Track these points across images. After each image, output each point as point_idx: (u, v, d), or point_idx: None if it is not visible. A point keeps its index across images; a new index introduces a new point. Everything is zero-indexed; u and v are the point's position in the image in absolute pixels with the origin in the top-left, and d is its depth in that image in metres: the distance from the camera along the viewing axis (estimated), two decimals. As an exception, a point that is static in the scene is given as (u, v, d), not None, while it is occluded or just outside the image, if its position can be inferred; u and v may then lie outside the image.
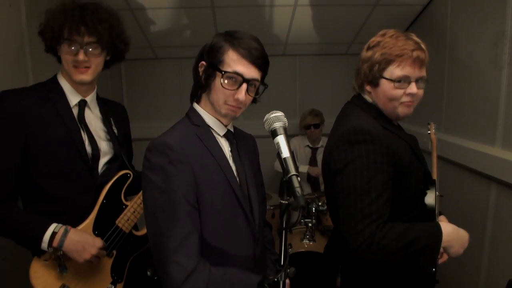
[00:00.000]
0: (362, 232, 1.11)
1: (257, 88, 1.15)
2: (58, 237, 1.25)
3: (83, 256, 1.28)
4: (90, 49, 1.31)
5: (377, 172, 1.14)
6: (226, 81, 1.08)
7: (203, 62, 1.14)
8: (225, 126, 1.19)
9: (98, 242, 1.32)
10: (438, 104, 2.44)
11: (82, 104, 1.40)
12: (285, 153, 0.97)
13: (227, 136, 1.20)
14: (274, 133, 1.01)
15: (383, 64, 1.22)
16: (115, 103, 1.62)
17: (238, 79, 1.08)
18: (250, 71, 1.09)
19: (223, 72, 1.08)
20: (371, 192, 1.13)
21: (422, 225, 1.19)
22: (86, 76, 1.34)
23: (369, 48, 1.28)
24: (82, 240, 1.28)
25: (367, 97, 1.32)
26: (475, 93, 2.06)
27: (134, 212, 1.47)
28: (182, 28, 2.83)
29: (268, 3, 2.58)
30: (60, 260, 1.28)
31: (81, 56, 1.30)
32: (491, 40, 1.89)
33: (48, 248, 1.25)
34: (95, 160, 1.39)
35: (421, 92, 1.24)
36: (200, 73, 1.14)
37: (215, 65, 1.09)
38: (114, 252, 1.42)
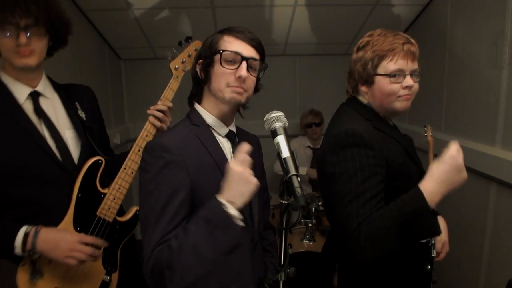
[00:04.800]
0: (358, 229, 1.11)
1: (258, 71, 1.15)
2: (29, 239, 1.19)
3: (61, 253, 1.21)
4: (31, 31, 1.19)
5: (370, 174, 1.14)
6: (225, 63, 1.09)
7: (201, 60, 1.14)
8: (227, 126, 1.19)
9: (76, 236, 1.26)
10: (438, 104, 2.44)
11: (35, 95, 1.29)
12: (285, 153, 0.97)
13: (228, 136, 1.19)
14: (274, 133, 1.01)
15: (376, 60, 1.23)
16: (80, 86, 1.51)
17: (237, 58, 1.09)
18: (247, 50, 1.10)
19: (221, 52, 1.09)
20: (365, 193, 1.13)
21: (402, 196, 1.11)
22: (31, 60, 1.22)
23: (359, 49, 1.29)
24: (54, 237, 1.22)
25: (361, 99, 1.33)
26: (475, 93, 2.06)
27: (114, 199, 1.39)
28: (182, 28, 2.83)
29: (268, 3, 2.58)
30: (35, 265, 1.22)
31: (23, 39, 1.17)
32: (491, 40, 1.89)
33: (23, 253, 1.19)
34: (64, 153, 1.30)
35: (417, 85, 1.25)
36: (199, 71, 1.15)
37: (212, 53, 1.11)
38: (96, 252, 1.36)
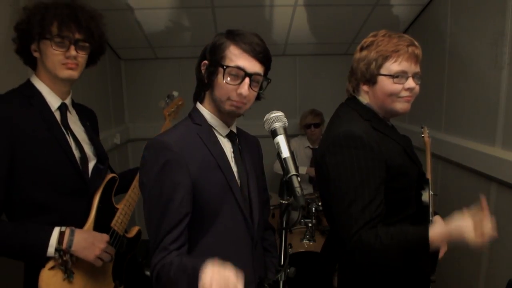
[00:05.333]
0: (358, 234, 1.11)
1: (261, 84, 1.14)
2: (66, 236, 1.21)
3: (94, 252, 1.25)
4: (79, 45, 1.27)
5: (369, 177, 1.15)
6: (228, 76, 1.07)
7: (206, 61, 1.14)
8: (228, 126, 1.19)
9: (106, 236, 1.31)
10: (438, 104, 2.44)
11: (64, 108, 1.33)
12: (285, 153, 0.97)
13: (229, 136, 1.19)
14: (274, 133, 1.01)
15: (380, 61, 1.23)
16: (87, 108, 1.56)
17: (240, 73, 1.07)
18: (252, 65, 1.08)
19: (225, 67, 1.07)
20: (364, 196, 1.13)
21: (408, 231, 1.15)
22: (75, 72, 1.28)
23: (363, 48, 1.29)
24: (89, 236, 1.26)
25: (361, 99, 1.33)
26: (475, 93, 2.06)
27: (125, 214, 1.47)
28: (182, 28, 2.83)
29: (268, 3, 2.58)
30: (67, 264, 1.23)
31: (73, 52, 1.24)
32: (491, 40, 1.89)
33: (55, 252, 1.19)
34: (84, 164, 1.34)
35: (418, 87, 1.26)
36: (203, 72, 1.14)
37: (217, 62, 1.09)
38: (113, 256, 1.39)
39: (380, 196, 1.16)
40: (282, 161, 0.97)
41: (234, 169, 1.16)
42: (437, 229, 1.12)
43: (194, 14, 2.67)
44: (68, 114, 1.37)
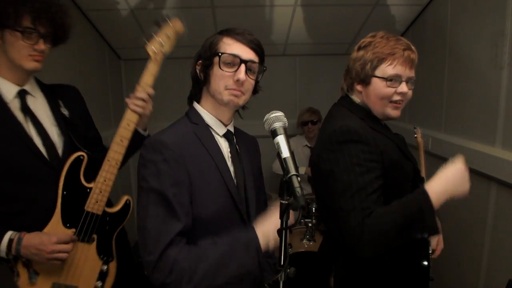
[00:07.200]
0: (364, 222, 1.11)
1: (257, 73, 1.15)
2: (13, 245, 1.22)
3: (43, 256, 1.24)
4: (47, 40, 1.29)
5: (368, 169, 1.15)
6: (224, 65, 1.09)
7: (200, 61, 1.15)
8: (225, 126, 1.19)
9: (54, 237, 1.26)
10: (438, 104, 2.44)
11: (23, 94, 1.32)
12: (285, 153, 0.97)
13: (226, 136, 1.19)
14: (274, 133, 1.01)
15: (375, 62, 1.24)
16: (65, 85, 1.53)
17: (236, 61, 1.09)
18: (246, 52, 1.10)
19: (220, 54, 1.09)
20: (366, 188, 1.14)
21: (408, 196, 1.17)
22: (40, 64, 1.29)
23: (360, 48, 1.30)
24: (34, 243, 1.24)
25: (354, 98, 1.34)
26: (475, 93, 2.06)
27: (100, 192, 1.38)
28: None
29: (268, 3, 2.58)
30: (29, 267, 1.25)
31: (42, 46, 1.26)
32: (491, 40, 1.89)
33: (6, 257, 1.22)
34: (50, 150, 1.32)
35: (410, 92, 1.27)
36: (198, 72, 1.15)
37: (212, 54, 1.11)
38: (95, 236, 1.38)
39: (380, 189, 1.17)
40: (282, 161, 0.97)
41: (231, 168, 1.16)
42: (431, 182, 1.16)
43: (194, 14, 2.66)
44: (31, 99, 1.35)
